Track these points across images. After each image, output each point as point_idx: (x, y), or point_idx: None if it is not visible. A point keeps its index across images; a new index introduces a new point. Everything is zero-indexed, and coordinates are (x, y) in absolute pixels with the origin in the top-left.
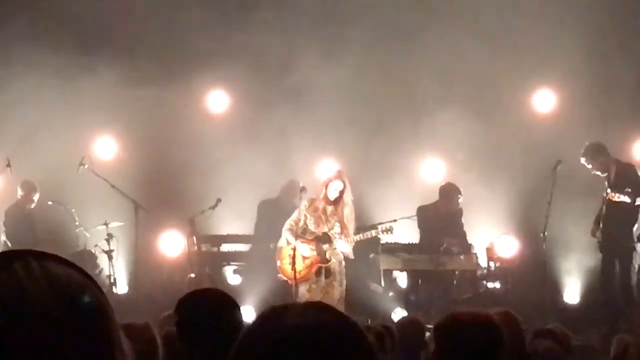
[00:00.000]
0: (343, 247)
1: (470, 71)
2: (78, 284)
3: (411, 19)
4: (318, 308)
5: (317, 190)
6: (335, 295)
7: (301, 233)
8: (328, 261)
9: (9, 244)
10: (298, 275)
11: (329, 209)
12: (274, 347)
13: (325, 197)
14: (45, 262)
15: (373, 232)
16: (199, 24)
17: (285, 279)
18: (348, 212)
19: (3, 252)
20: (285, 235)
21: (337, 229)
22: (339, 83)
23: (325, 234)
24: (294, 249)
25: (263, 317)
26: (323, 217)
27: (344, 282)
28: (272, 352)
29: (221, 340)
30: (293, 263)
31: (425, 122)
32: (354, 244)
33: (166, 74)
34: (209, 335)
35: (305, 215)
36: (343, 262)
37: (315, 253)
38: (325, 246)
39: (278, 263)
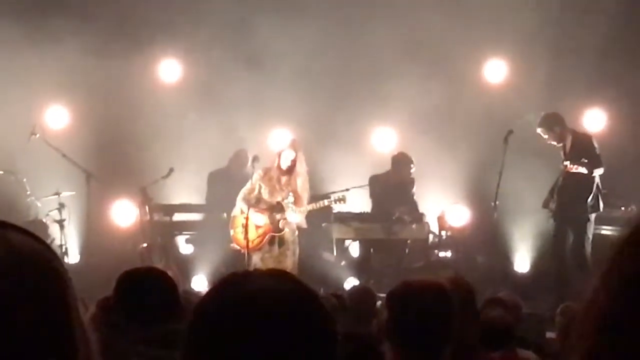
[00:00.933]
0: (294, 217)
1: (424, 41)
2: (36, 251)
3: None
4: (278, 275)
5: (271, 160)
6: (288, 265)
7: (255, 202)
8: (281, 230)
9: None
10: (251, 245)
11: (283, 178)
12: (235, 309)
13: (279, 167)
14: (5, 230)
15: (325, 202)
16: None
17: (238, 248)
18: (301, 182)
19: None
20: (239, 204)
21: (291, 198)
22: (294, 52)
23: (278, 203)
24: (247, 218)
25: (224, 282)
26: (277, 187)
27: (297, 252)
28: (233, 314)
29: (155, 320)
30: (246, 232)
31: (377, 91)
32: (306, 213)
33: (119, 42)
34: (142, 310)
35: (259, 184)
36: (296, 232)
37: (268, 222)
38: (278, 215)
39: (231, 232)
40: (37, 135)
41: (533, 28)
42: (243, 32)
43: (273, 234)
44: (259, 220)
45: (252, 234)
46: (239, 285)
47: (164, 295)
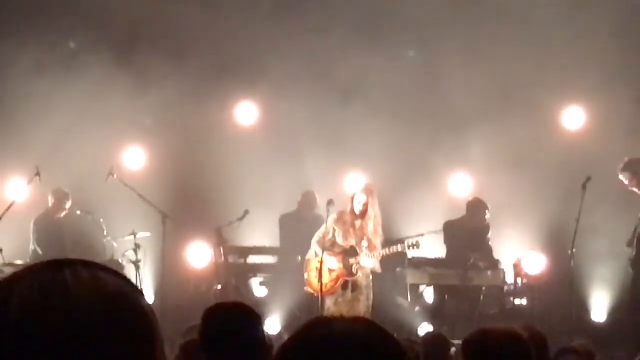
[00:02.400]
0: (367, 262)
1: (501, 87)
2: (124, 291)
3: (441, 34)
4: (364, 322)
5: (345, 204)
6: (361, 310)
7: (330, 246)
8: (354, 275)
9: (39, 252)
10: (324, 288)
11: (357, 223)
12: (319, 355)
13: (352, 211)
14: (94, 270)
15: (399, 247)
16: (230, 34)
17: (312, 291)
18: (372, 226)
19: (54, 260)
20: (314, 247)
21: (365, 243)
22: (369, 97)
23: (352, 247)
24: (321, 262)
25: (309, 327)
26: (351, 231)
27: (371, 297)
28: (321, 355)
29: (243, 354)
30: (320, 276)
31: (454, 136)
32: (380, 258)
33: (196, 84)
34: (231, 348)
35: (334, 228)
36: (370, 277)
37: (341, 266)
38: (352, 260)
39: (305, 275)
40: (115, 176)
41: (612, 74)
42: (320, 78)
43: (346, 278)
44: (333, 264)
45: (326, 278)
46: (323, 330)
47: (251, 333)
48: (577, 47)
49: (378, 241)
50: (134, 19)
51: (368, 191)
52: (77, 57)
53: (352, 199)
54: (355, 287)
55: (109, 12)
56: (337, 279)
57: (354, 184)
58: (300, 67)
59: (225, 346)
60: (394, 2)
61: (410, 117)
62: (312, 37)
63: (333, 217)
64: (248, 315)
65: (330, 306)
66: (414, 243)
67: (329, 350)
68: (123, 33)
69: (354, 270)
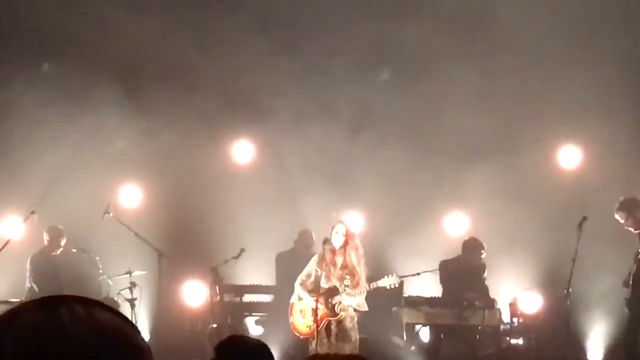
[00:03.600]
0: (349, 300)
1: (496, 126)
2: (121, 330)
3: (435, 72)
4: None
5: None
6: (345, 352)
7: (314, 288)
8: (337, 314)
9: (36, 289)
10: (309, 331)
11: (338, 259)
12: None
13: (332, 249)
14: (90, 307)
15: (380, 282)
16: (227, 73)
17: (299, 335)
18: (353, 257)
19: (49, 296)
20: (297, 290)
21: (347, 281)
22: (366, 136)
23: (334, 287)
24: (317, 301)
25: None
26: (332, 270)
27: (357, 337)
28: None
29: None
30: (315, 316)
31: (449, 176)
32: (364, 294)
33: (193, 122)
34: None
35: (316, 269)
36: (355, 318)
37: (324, 307)
38: (335, 299)
39: (290, 319)
40: (111, 214)
41: (608, 112)
42: (317, 116)
43: (329, 318)
44: (314, 305)
45: (310, 320)
46: None
47: None
48: (572, 86)
49: (361, 275)
50: (131, 58)
51: (346, 223)
52: (75, 95)
53: (331, 233)
54: (340, 328)
55: (106, 51)
56: (321, 319)
57: (350, 223)
58: (297, 105)
59: None
60: (389, 41)
61: (406, 157)
62: (310, 77)
63: (315, 258)
64: (264, 350)
65: (315, 348)
66: (394, 280)
67: None
68: (121, 73)
69: (336, 310)
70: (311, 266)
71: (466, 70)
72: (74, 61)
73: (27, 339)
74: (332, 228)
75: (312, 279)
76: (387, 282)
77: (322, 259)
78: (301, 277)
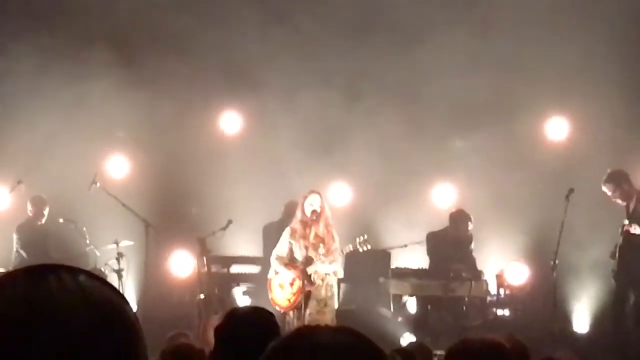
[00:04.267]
0: (325, 268)
1: (483, 98)
2: (110, 300)
3: (422, 45)
4: (349, 332)
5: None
6: (327, 320)
7: (289, 261)
8: (314, 283)
9: (24, 255)
10: (287, 303)
11: (310, 231)
12: None
13: (302, 220)
14: (79, 277)
15: (350, 247)
16: (215, 43)
17: (279, 309)
18: (321, 227)
19: (37, 265)
20: (273, 264)
21: (322, 250)
22: (353, 107)
23: (308, 257)
24: (302, 271)
25: (294, 336)
26: (303, 242)
27: (335, 306)
28: None
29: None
30: (302, 286)
31: (437, 148)
32: (339, 261)
33: (180, 93)
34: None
35: (290, 242)
36: (334, 287)
37: (300, 278)
38: (310, 269)
39: (270, 295)
40: (98, 185)
41: (597, 84)
42: (305, 87)
43: (308, 289)
44: (291, 277)
45: (288, 292)
46: (308, 340)
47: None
48: (561, 58)
49: (333, 241)
50: (123, 28)
51: (320, 193)
52: (60, 64)
53: (303, 204)
54: (318, 299)
55: (92, 18)
56: (299, 291)
57: (338, 194)
58: (285, 77)
59: (242, 349)
60: (380, 9)
61: (394, 128)
62: (298, 48)
63: (287, 231)
64: (272, 324)
65: (294, 321)
66: (365, 239)
67: (313, 357)
68: (107, 40)
69: (312, 279)
70: (284, 239)
71: (460, 39)
72: (64, 29)
73: (16, 307)
74: (305, 198)
75: (287, 252)
76: (358, 244)
77: (293, 232)
78: (275, 251)
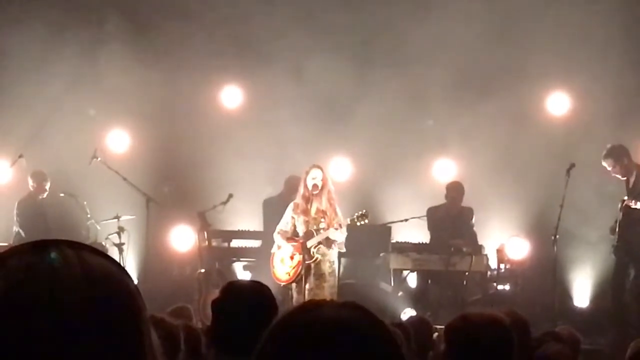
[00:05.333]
0: (336, 235)
1: (484, 73)
2: (111, 274)
3: (424, 20)
4: (353, 307)
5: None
6: (325, 296)
7: (291, 235)
8: (313, 257)
9: (22, 234)
10: (287, 277)
11: (312, 206)
12: (309, 339)
13: (304, 195)
14: (80, 251)
15: (348, 220)
16: (216, 19)
17: (281, 283)
18: (324, 202)
19: (40, 240)
20: (276, 239)
21: (323, 224)
22: (354, 82)
23: (310, 231)
24: (302, 244)
25: (297, 311)
26: (307, 215)
27: (336, 284)
28: (308, 340)
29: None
30: (302, 260)
31: (438, 123)
32: (342, 230)
33: (181, 67)
34: (244, 327)
35: (292, 217)
36: (335, 263)
37: (300, 251)
38: (310, 242)
39: (272, 270)
40: (99, 159)
41: (597, 60)
42: (306, 62)
43: (307, 262)
44: (292, 250)
45: (288, 266)
46: (311, 315)
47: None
48: (562, 32)
49: (335, 217)
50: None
51: (322, 168)
52: (60, 38)
53: (305, 179)
54: (319, 274)
55: None
56: (299, 264)
57: (338, 170)
58: (286, 51)
59: (239, 323)
60: None
61: (395, 103)
62: (299, 22)
63: (290, 206)
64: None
65: (295, 294)
66: (363, 214)
67: (317, 337)
68: (107, 16)
69: (312, 253)
70: (288, 214)
71: (450, 16)
72: (70, 3)
73: (18, 283)
74: (307, 172)
75: (290, 226)
76: (356, 217)
77: (296, 207)
78: (279, 226)
